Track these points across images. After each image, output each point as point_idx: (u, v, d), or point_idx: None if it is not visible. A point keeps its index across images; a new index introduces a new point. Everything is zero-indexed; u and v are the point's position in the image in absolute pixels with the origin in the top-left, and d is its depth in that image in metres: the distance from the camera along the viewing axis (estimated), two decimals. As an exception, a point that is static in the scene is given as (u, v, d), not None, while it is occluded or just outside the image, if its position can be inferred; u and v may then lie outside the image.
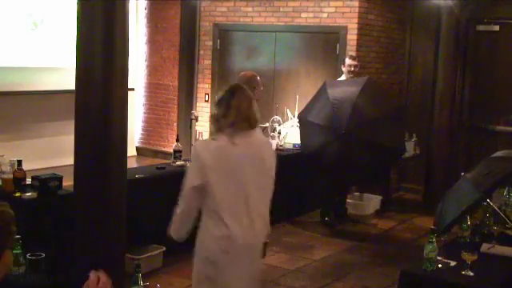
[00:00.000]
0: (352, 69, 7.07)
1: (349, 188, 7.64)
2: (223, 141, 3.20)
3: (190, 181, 3.17)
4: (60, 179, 4.75)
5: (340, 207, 7.33)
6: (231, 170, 3.20)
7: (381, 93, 7.09)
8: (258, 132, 3.39)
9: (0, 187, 4.62)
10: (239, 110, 3.20)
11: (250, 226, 3.24)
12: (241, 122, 3.21)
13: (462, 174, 4.41)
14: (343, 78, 7.18)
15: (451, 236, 4.18)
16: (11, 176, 4.59)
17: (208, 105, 9.28)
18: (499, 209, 4.31)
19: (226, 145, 3.19)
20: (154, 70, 9.91)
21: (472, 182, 4.11)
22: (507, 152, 4.64)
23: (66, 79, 7.21)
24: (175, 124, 9.68)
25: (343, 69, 7.17)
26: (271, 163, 3.37)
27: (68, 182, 4.67)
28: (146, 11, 9.93)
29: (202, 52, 9.36)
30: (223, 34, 9.12)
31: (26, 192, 4.55)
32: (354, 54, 7.54)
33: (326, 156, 6.39)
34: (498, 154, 4.64)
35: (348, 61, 7.12)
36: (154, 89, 9.93)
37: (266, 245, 3.60)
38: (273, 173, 3.37)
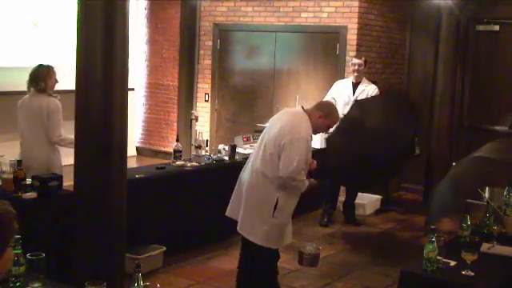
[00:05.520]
0: (356, 67, 6.96)
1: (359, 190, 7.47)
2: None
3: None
4: (60, 179, 4.75)
5: (349, 210, 7.20)
6: None
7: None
8: None
9: (0, 187, 4.62)
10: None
11: None
12: None
13: (454, 164, 4.44)
14: (350, 78, 7.10)
15: (451, 236, 4.18)
16: (11, 176, 4.58)
17: (208, 105, 9.28)
18: (499, 209, 4.31)
19: None
20: (154, 69, 9.91)
21: (453, 186, 4.16)
22: (490, 149, 4.63)
23: (65, 79, 7.19)
24: (175, 124, 9.67)
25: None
26: None
27: (68, 182, 4.66)
28: (146, 11, 9.93)
29: (202, 52, 9.36)
30: (223, 34, 9.12)
31: (25, 192, 4.55)
32: (354, 53, 7.53)
33: (343, 157, 6.13)
34: (482, 151, 4.64)
35: (353, 59, 7.06)
36: (153, 89, 9.93)
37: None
38: None
